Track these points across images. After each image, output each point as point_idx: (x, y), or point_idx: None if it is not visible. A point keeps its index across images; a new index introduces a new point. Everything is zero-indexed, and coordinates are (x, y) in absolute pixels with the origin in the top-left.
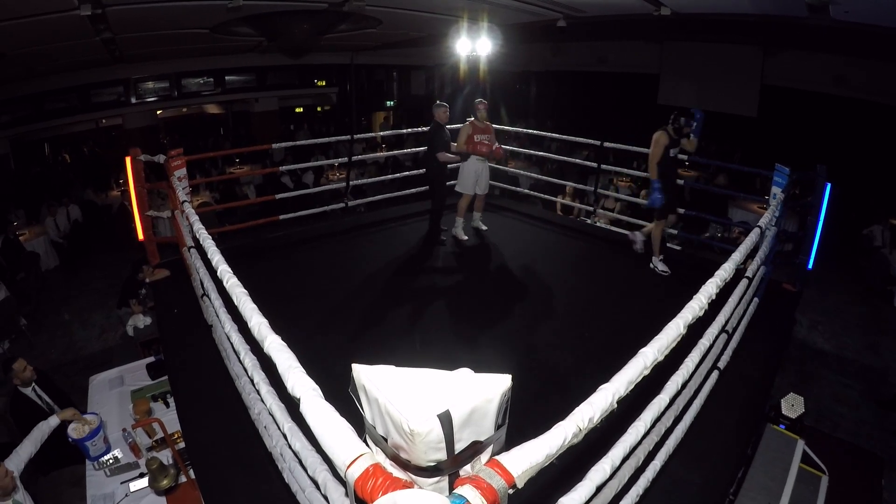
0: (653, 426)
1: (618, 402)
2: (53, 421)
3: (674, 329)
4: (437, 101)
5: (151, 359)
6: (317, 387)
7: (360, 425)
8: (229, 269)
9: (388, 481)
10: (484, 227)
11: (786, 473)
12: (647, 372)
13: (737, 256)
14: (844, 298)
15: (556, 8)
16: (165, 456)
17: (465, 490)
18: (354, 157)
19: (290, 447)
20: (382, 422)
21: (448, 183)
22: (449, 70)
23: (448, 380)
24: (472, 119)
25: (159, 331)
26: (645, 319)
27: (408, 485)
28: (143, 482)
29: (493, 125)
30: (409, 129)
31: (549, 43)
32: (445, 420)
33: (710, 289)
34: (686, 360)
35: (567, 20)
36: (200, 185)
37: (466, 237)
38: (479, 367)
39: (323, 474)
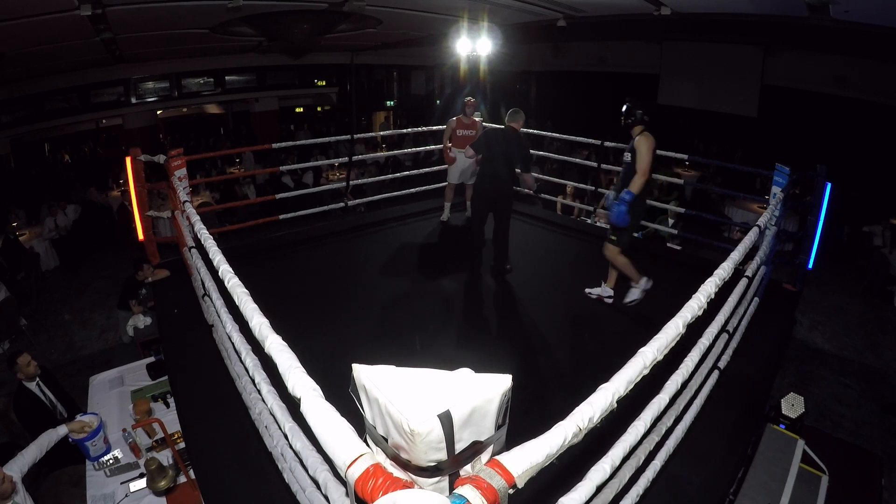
0: (653, 426)
1: (618, 402)
2: (62, 430)
3: (673, 328)
4: (516, 108)
5: (151, 359)
6: (317, 387)
7: (360, 425)
8: (230, 269)
9: (389, 481)
10: None
11: (786, 473)
12: (646, 371)
13: (735, 255)
14: (844, 298)
15: (556, 8)
16: (165, 456)
17: (466, 490)
18: (355, 157)
19: (290, 447)
20: (383, 422)
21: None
22: (449, 70)
23: (448, 380)
24: (460, 115)
25: (159, 331)
26: (645, 319)
27: (408, 485)
28: (143, 482)
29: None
30: (412, 129)
31: (549, 43)
32: (446, 420)
33: (709, 288)
34: (686, 359)
35: (567, 20)
36: (200, 185)
37: (447, 219)
38: (479, 367)
39: (323, 474)
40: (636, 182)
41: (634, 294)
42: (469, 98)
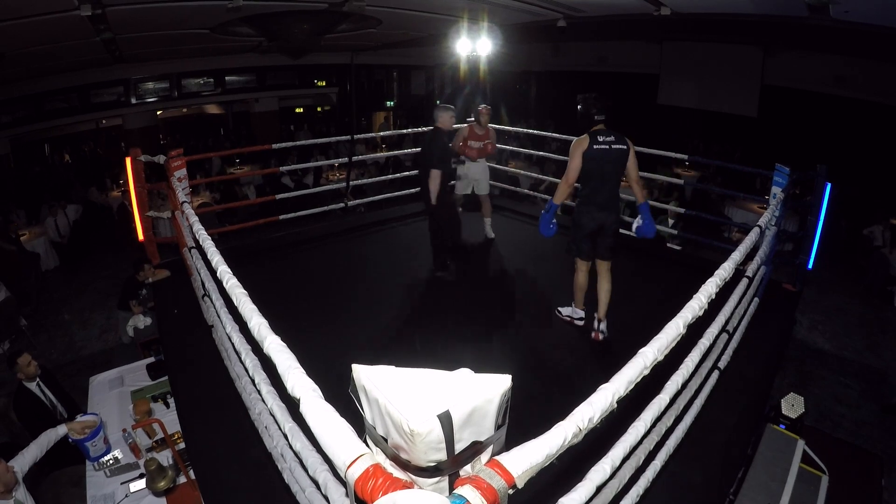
0: (653, 426)
1: (618, 402)
2: (61, 430)
3: (673, 329)
4: (441, 104)
5: (151, 359)
6: (317, 387)
7: (360, 425)
8: (229, 270)
9: (389, 481)
10: (491, 235)
11: (786, 473)
12: (646, 372)
13: (736, 256)
14: (844, 298)
15: (556, 8)
16: (166, 456)
17: (466, 490)
18: (355, 158)
19: (290, 447)
20: (382, 422)
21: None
22: (449, 70)
23: (448, 380)
24: (473, 122)
25: (159, 331)
26: (645, 319)
27: (408, 485)
28: (143, 483)
29: (493, 125)
30: (412, 129)
31: (549, 43)
32: (445, 420)
33: (709, 288)
34: (686, 359)
35: (567, 20)
36: (200, 185)
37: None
38: (479, 367)
39: (323, 474)
40: (557, 190)
41: (567, 310)
42: (484, 106)
